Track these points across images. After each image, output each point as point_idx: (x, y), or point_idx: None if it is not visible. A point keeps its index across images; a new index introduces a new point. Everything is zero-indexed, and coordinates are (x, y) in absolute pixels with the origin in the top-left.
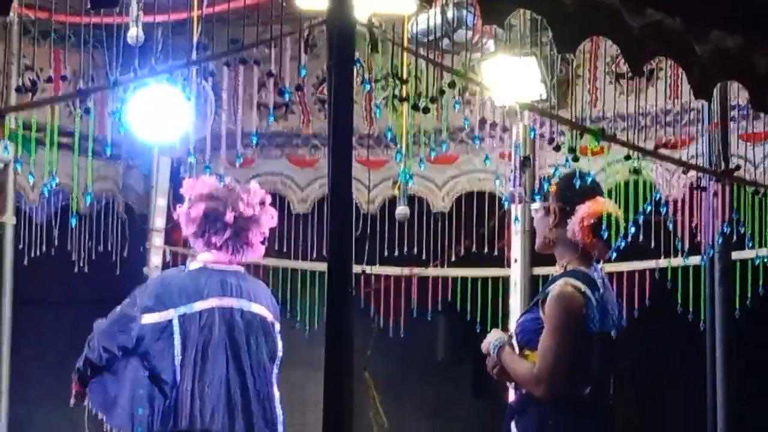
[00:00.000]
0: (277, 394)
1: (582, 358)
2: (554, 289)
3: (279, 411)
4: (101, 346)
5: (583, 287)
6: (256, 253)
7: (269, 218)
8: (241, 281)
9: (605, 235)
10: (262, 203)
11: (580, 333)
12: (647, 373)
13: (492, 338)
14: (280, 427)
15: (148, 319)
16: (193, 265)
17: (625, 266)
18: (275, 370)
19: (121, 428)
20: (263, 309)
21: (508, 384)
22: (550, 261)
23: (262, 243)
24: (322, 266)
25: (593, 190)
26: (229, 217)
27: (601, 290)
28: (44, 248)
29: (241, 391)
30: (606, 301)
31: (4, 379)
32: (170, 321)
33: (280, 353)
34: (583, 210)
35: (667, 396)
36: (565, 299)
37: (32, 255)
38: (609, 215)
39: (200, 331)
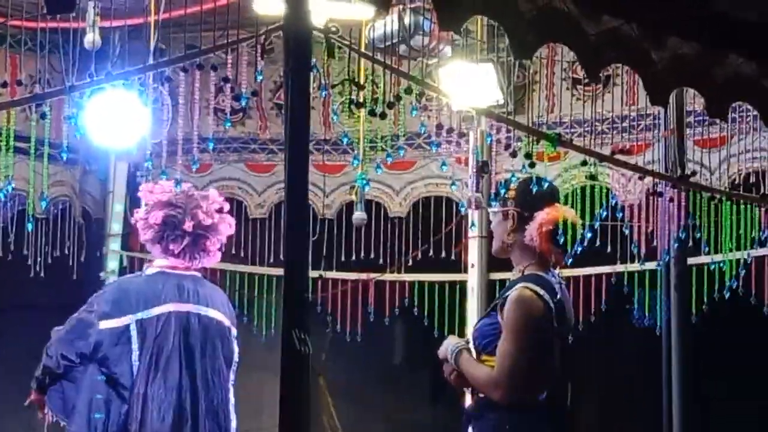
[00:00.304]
0: (232, 399)
1: (540, 362)
2: (513, 293)
3: (233, 417)
4: (59, 354)
5: (541, 291)
6: (213, 260)
7: (227, 226)
8: (198, 286)
9: (562, 242)
10: (221, 210)
11: (539, 337)
12: (604, 378)
13: (449, 344)
14: None
15: (106, 324)
16: (149, 270)
17: (582, 271)
18: (232, 376)
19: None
20: (220, 314)
21: (465, 390)
22: (508, 266)
23: (219, 250)
24: (279, 271)
25: (552, 197)
26: (188, 225)
27: (559, 295)
28: (0, 253)
29: (192, 397)
30: (564, 306)
31: None
32: (128, 326)
33: (236, 359)
34: (542, 216)
35: (624, 401)
36: (524, 303)
37: None
38: (566, 222)
39: (156, 336)
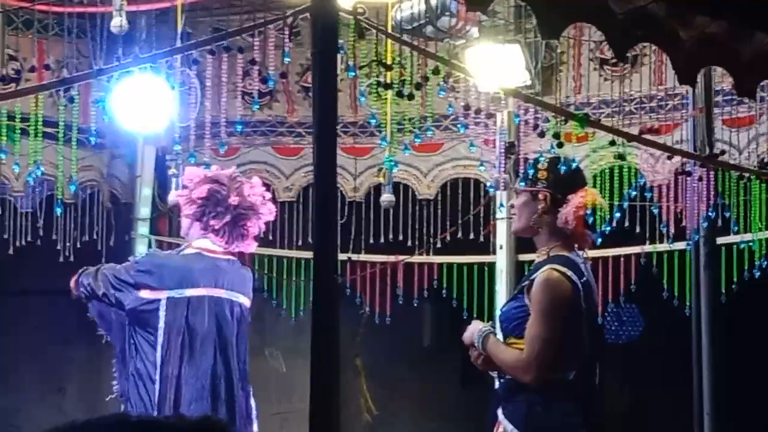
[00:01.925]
0: (250, 386)
1: (569, 343)
2: (540, 275)
3: (253, 404)
4: (105, 286)
5: (569, 273)
6: (249, 246)
7: (268, 211)
8: (233, 270)
9: (591, 225)
10: (263, 196)
11: (567, 318)
12: (633, 358)
13: (474, 329)
14: (255, 421)
15: (143, 294)
16: (188, 250)
17: (610, 252)
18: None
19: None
20: (247, 300)
21: (492, 373)
22: (534, 248)
23: (256, 237)
24: (308, 254)
25: (583, 180)
26: (233, 200)
27: (585, 276)
28: (29, 238)
29: (226, 383)
30: (591, 287)
31: None
32: (158, 300)
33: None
34: (578, 200)
35: (653, 380)
36: (552, 285)
37: (17, 245)
38: (595, 206)
39: (188, 318)
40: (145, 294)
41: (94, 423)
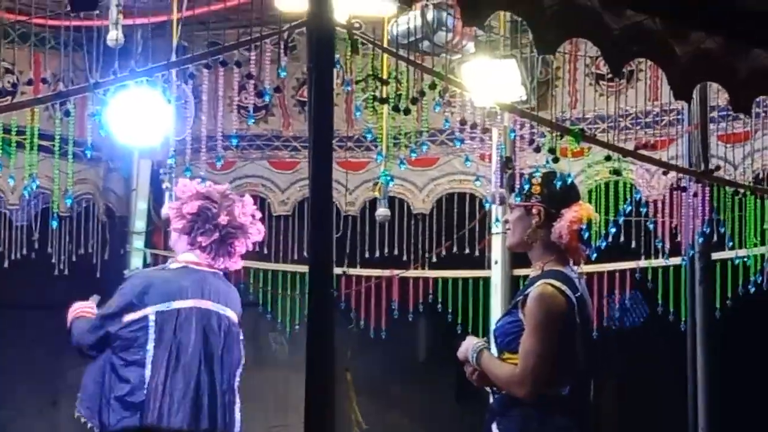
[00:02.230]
0: (238, 401)
1: (564, 358)
2: (534, 290)
3: (237, 417)
4: (80, 346)
5: (563, 287)
6: (235, 264)
7: (257, 231)
8: (219, 284)
9: (586, 240)
10: (253, 216)
11: (562, 333)
12: (628, 373)
13: (469, 345)
14: None
15: (129, 317)
16: (174, 264)
17: (606, 267)
18: (237, 378)
19: (88, 418)
20: (235, 315)
21: (487, 389)
22: (531, 262)
23: (242, 256)
24: (303, 268)
25: (577, 194)
26: (222, 219)
27: (580, 290)
28: (25, 251)
29: (209, 394)
30: (585, 301)
31: None
32: (146, 317)
33: (243, 361)
34: (571, 214)
35: (648, 395)
36: (546, 299)
37: (12, 258)
38: (590, 220)
39: (176, 330)
40: (131, 317)
41: None
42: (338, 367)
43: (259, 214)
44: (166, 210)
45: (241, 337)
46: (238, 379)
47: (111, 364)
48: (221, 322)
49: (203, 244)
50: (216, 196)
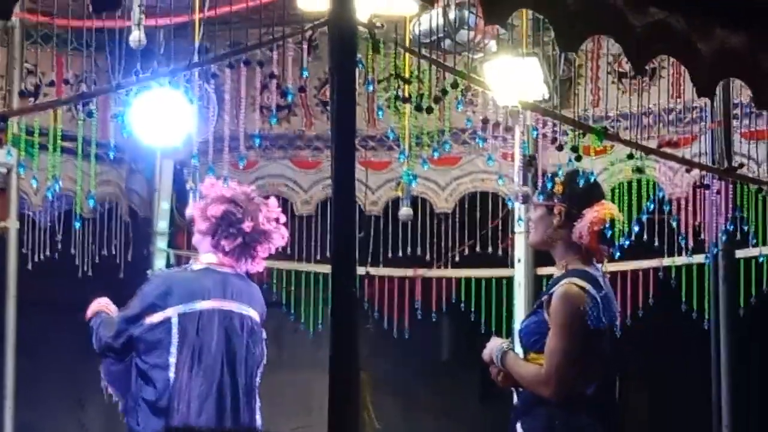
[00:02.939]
0: (258, 401)
1: (589, 357)
2: (559, 289)
3: (258, 418)
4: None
5: (587, 286)
6: (257, 267)
7: (280, 237)
8: (242, 285)
9: (608, 239)
10: (277, 220)
11: (586, 332)
12: (652, 372)
13: (493, 346)
14: None
15: (150, 319)
16: (196, 265)
17: (629, 265)
18: (258, 379)
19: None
20: (257, 315)
21: (513, 389)
22: (554, 261)
23: (264, 258)
24: (327, 268)
25: (600, 194)
26: (247, 225)
27: (604, 289)
28: (48, 252)
29: (232, 395)
30: (610, 300)
31: (10, 382)
32: (169, 318)
33: (264, 361)
34: (592, 215)
35: (672, 394)
36: (570, 299)
37: (36, 259)
38: (613, 220)
39: (198, 332)
40: (153, 319)
41: None
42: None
43: (283, 218)
44: (191, 210)
45: (264, 337)
46: (258, 379)
47: (136, 366)
48: (244, 323)
49: (226, 249)
50: (241, 200)
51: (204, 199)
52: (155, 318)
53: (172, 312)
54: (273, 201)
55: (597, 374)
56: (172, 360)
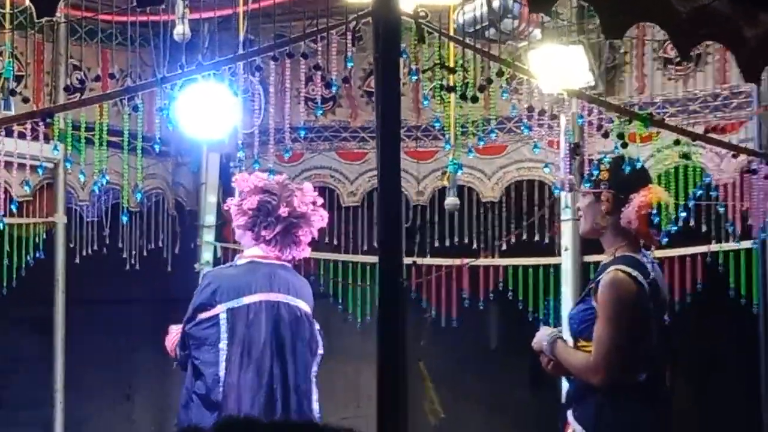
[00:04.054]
0: (315, 391)
1: (638, 344)
2: (606, 276)
3: (316, 407)
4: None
5: (634, 273)
6: (303, 252)
7: (320, 218)
8: (288, 276)
9: (656, 222)
10: (314, 203)
11: (634, 319)
12: (701, 359)
13: (543, 335)
14: None
15: (202, 315)
16: (241, 260)
17: (676, 251)
18: (315, 368)
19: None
20: (306, 305)
21: (564, 378)
22: (602, 248)
23: (310, 243)
24: (373, 259)
25: (645, 178)
26: (283, 211)
27: (652, 275)
28: (96, 246)
29: (282, 386)
30: (658, 286)
31: (60, 377)
32: (217, 315)
33: (321, 351)
34: (640, 199)
35: (721, 381)
36: (618, 286)
37: (84, 253)
38: (660, 204)
39: (247, 326)
40: (203, 315)
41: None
42: (411, 358)
43: (320, 201)
44: (228, 208)
45: (318, 327)
46: (315, 369)
47: (191, 362)
48: (292, 313)
49: (267, 238)
50: (275, 188)
51: (238, 195)
52: (205, 315)
53: (220, 308)
54: (307, 186)
55: (647, 362)
56: (222, 355)
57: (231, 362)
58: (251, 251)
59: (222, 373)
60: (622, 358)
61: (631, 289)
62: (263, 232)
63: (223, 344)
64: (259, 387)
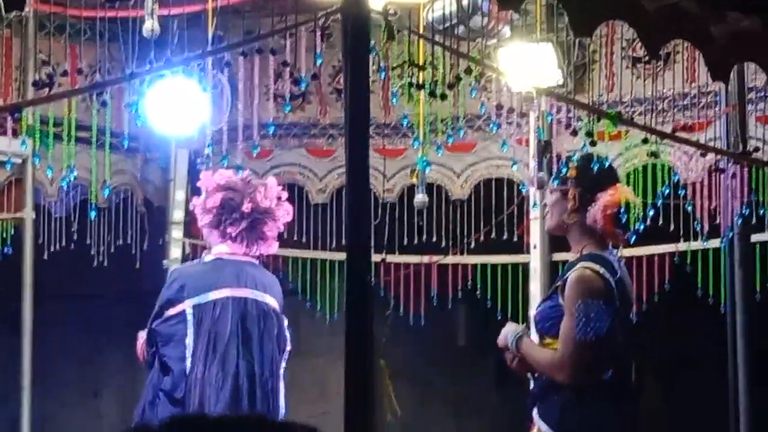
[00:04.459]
0: (282, 387)
1: (603, 342)
2: (573, 274)
3: (282, 404)
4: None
5: (601, 270)
6: (270, 247)
7: (285, 213)
8: (256, 272)
9: (623, 221)
10: (279, 198)
11: (601, 317)
12: (671, 356)
13: (508, 331)
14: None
15: (168, 312)
16: (208, 257)
17: (644, 250)
18: (283, 364)
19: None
20: (275, 301)
21: (528, 375)
22: (570, 246)
23: (277, 238)
24: (342, 255)
25: (613, 177)
26: (246, 207)
27: (619, 273)
28: (64, 242)
29: (249, 382)
30: (625, 284)
31: (27, 373)
32: (184, 311)
33: (289, 347)
34: (606, 198)
35: (689, 379)
36: (585, 283)
37: (52, 249)
38: (628, 203)
39: (214, 321)
40: (170, 311)
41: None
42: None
43: (285, 195)
44: (192, 208)
45: (286, 324)
46: (283, 365)
47: (158, 359)
48: (259, 308)
49: (233, 235)
50: (238, 185)
51: (202, 194)
52: (172, 311)
53: (187, 304)
54: (272, 180)
55: (612, 360)
56: (188, 351)
57: (196, 357)
58: (218, 249)
59: (187, 368)
60: (587, 356)
61: (598, 286)
62: (228, 229)
63: (189, 340)
64: (224, 382)
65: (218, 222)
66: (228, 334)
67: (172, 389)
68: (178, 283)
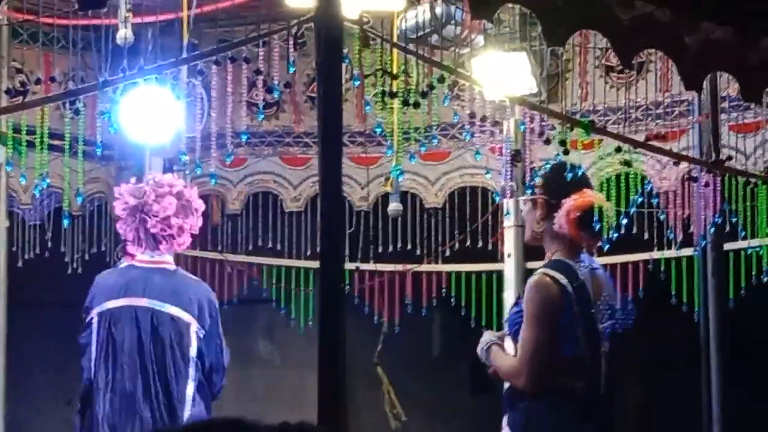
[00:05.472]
0: (189, 393)
1: (561, 347)
2: (530, 280)
3: (188, 412)
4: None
5: (557, 276)
6: (178, 247)
7: (164, 208)
8: (164, 280)
9: (596, 228)
10: (171, 192)
11: (557, 322)
12: (642, 366)
13: (482, 340)
14: None
15: (85, 322)
16: (123, 263)
17: (618, 258)
18: (191, 372)
19: None
20: (178, 310)
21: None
22: (544, 255)
23: (179, 235)
24: (316, 264)
25: (580, 183)
26: (137, 208)
27: (581, 279)
28: (38, 250)
29: (144, 391)
30: (586, 290)
31: (1, 380)
32: (91, 320)
33: (193, 354)
34: (569, 203)
35: (662, 387)
36: (539, 289)
37: (26, 257)
38: (599, 208)
39: (108, 330)
40: (85, 320)
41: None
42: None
43: (177, 187)
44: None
45: (195, 331)
46: (192, 373)
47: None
48: (158, 320)
49: (138, 239)
50: (130, 191)
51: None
52: (86, 320)
53: (94, 313)
54: (167, 177)
55: (575, 366)
56: (92, 359)
57: (97, 368)
58: (138, 257)
59: (91, 376)
60: (544, 361)
61: (553, 293)
62: (131, 235)
63: (92, 348)
64: (123, 394)
65: (125, 231)
66: (123, 343)
67: (81, 398)
68: (92, 292)
